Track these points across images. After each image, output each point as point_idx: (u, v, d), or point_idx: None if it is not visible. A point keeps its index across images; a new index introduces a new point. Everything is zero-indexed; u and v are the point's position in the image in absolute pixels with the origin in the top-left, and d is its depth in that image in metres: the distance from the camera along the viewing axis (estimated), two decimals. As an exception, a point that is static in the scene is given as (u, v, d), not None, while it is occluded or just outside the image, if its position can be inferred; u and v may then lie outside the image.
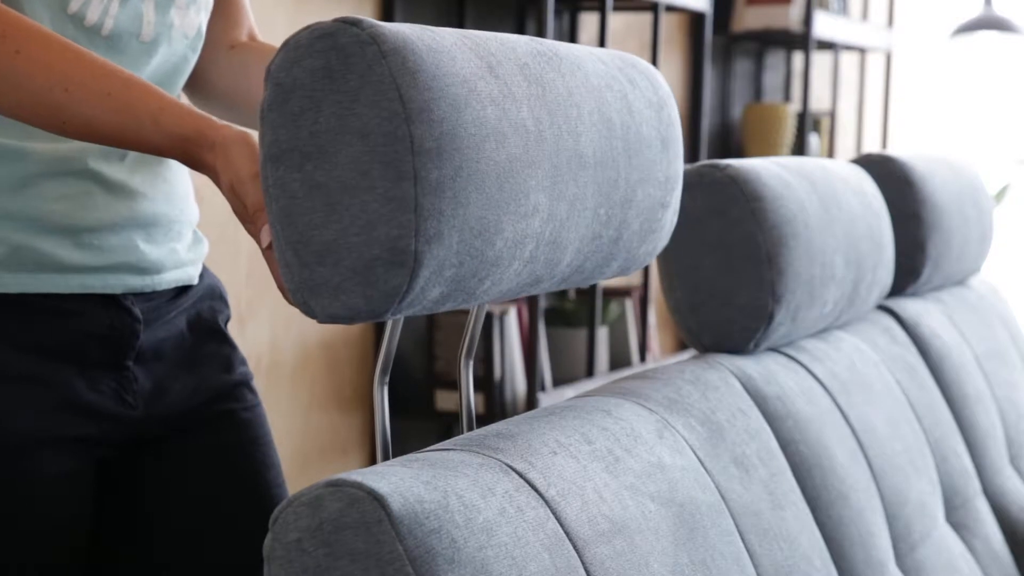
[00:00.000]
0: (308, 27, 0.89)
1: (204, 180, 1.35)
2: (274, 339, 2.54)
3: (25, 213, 1.16)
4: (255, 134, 1.07)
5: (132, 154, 1.22)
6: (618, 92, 1.09)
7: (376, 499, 0.85)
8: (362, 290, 0.89)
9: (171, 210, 1.26)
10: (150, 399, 1.25)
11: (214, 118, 1.12)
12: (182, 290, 1.29)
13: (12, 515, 1.17)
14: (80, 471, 1.21)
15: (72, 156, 1.18)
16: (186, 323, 1.29)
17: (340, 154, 0.88)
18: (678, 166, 1.17)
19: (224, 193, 1.09)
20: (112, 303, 1.21)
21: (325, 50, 0.88)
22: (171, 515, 1.29)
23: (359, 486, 0.86)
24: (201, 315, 1.31)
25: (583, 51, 1.10)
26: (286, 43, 0.89)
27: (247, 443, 1.32)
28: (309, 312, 0.91)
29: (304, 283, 0.90)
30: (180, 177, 1.29)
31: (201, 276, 1.32)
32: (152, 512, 1.28)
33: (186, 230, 1.29)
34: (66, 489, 1.20)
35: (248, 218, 1.08)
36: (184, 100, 1.36)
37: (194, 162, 1.11)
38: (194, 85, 1.38)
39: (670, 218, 1.17)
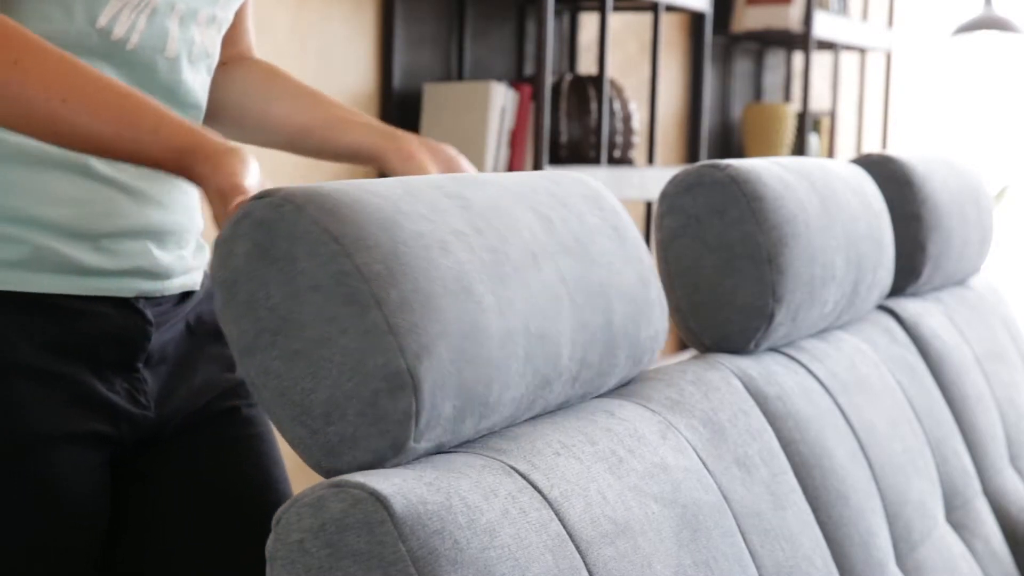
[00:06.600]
0: None
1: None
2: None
3: (48, 218, 1.18)
4: (246, 148, 1.08)
5: None
6: None
7: (379, 500, 0.85)
8: (376, 428, 0.89)
9: (183, 219, 1.29)
10: (159, 401, 1.27)
11: (209, 132, 1.12)
12: (187, 295, 1.31)
13: (33, 508, 1.18)
14: (98, 466, 1.23)
15: (81, 158, 1.19)
16: (186, 325, 1.31)
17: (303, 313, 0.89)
18: None
19: (210, 199, 1.09)
20: (125, 306, 1.23)
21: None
22: (182, 511, 1.30)
23: (362, 487, 0.86)
24: (201, 317, 1.32)
25: None
26: None
27: (252, 438, 1.33)
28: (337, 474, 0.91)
29: (322, 449, 0.90)
30: (192, 187, 1.31)
31: (202, 281, 1.34)
32: (163, 510, 1.30)
33: (192, 238, 1.31)
34: (86, 483, 1.21)
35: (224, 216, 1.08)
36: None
37: (189, 173, 1.11)
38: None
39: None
